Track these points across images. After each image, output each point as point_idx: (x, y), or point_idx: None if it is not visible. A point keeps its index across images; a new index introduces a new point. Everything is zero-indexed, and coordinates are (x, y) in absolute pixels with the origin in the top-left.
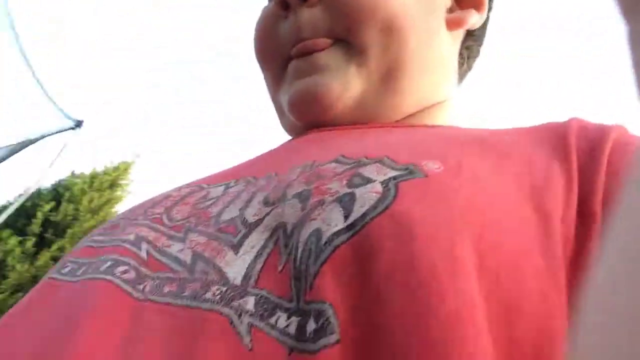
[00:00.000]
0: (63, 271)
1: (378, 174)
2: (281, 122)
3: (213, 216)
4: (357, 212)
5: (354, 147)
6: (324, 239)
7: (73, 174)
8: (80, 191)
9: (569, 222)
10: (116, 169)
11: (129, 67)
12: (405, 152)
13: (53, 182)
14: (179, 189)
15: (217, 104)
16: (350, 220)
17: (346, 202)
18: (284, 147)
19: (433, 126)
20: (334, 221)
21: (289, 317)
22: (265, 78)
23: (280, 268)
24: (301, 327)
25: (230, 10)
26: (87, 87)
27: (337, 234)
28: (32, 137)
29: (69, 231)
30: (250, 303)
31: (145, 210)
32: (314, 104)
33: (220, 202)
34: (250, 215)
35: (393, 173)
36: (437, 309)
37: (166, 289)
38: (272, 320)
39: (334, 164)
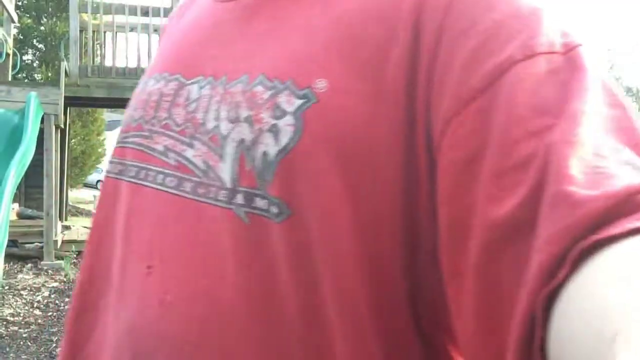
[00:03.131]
0: (115, 170)
1: (289, 105)
2: None
3: (201, 124)
4: (282, 141)
5: (268, 53)
6: (269, 158)
7: None
8: None
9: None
10: None
11: None
12: (304, 65)
13: None
14: (166, 82)
15: None
16: (280, 146)
17: (275, 132)
18: (221, 21)
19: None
20: (271, 146)
21: (261, 200)
22: None
23: (248, 169)
24: (268, 207)
25: None
26: None
27: (276, 156)
28: None
29: None
30: (240, 198)
31: (154, 113)
32: None
33: (200, 109)
34: (223, 130)
35: (298, 103)
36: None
37: (200, 191)
38: (254, 204)
39: (260, 87)
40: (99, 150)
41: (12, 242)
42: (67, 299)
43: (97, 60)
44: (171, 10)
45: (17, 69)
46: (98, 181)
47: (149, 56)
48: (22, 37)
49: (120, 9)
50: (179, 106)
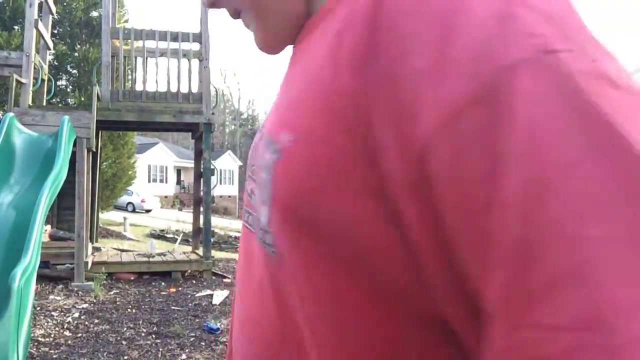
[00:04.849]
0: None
1: (266, 161)
2: None
3: (254, 169)
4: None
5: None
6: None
7: None
8: None
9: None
10: None
11: None
12: (277, 118)
13: None
14: (259, 131)
15: None
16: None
17: (255, 199)
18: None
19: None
20: (262, 213)
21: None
22: None
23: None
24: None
25: None
26: None
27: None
28: None
29: None
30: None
31: (249, 161)
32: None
33: (254, 155)
34: (263, 176)
35: (272, 158)
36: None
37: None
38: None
39: (262, 142)
40: (130, 172)
41: (44, 263)
42: (96, 320)
43: (128, 84)
44: (200, 36)
45: (52, 94)
46: (128, 203)
47: (179, 81)
48: (56, 63)
49: (150, 35)
50: (255, 151)
